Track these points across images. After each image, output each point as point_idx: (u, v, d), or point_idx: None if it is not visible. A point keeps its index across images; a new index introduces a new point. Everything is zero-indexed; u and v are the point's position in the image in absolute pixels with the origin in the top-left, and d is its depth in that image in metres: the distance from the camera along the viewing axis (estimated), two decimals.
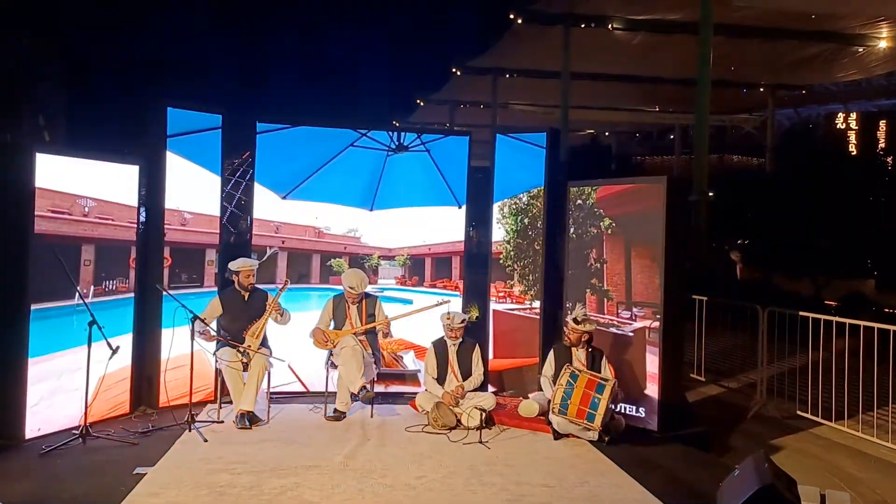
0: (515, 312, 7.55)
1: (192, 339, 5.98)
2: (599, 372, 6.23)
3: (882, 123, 30.77)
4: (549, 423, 6.12)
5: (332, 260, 7.85)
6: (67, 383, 5.80)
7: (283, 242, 7.68)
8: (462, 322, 6.60)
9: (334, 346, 6.47)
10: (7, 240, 5.64)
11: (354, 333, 6.49)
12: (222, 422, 6.22)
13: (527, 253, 7.55)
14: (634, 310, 6.69)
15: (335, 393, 6.52)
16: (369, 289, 7.09)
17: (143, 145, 6.78)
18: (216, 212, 7.05)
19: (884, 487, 5.90)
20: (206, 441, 5.69)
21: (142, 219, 6.60)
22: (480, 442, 5.86)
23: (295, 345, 6.81)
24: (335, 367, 6.51)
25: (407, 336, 7.56)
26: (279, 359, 6.48)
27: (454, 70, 25.83)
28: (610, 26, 20.61)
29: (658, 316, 6.47)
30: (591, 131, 36.33)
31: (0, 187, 5.71)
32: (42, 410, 5.65)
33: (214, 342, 6.35)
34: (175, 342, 6.16)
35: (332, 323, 6.70)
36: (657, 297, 6.48)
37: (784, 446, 6.87)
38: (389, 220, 7.81)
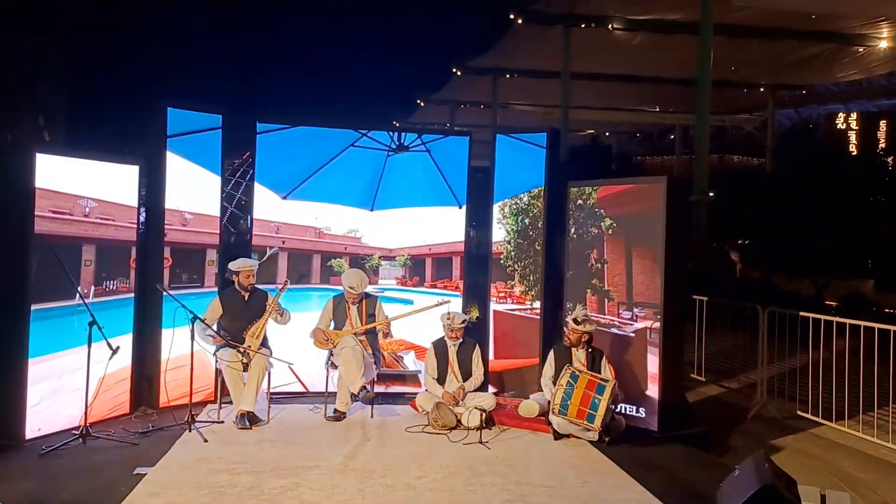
0: (516, 313, 7.55)
1: (193, 339, 5.98)
2: (599, 372, 6.23)
3: (882, 123, 30.77)
4: (550, 424, 6.12)
5: (333, 260, 7.84)
6: (68, 383, 5.80)
7: (283, 243, 7.68)
8: (462, 322, 6.60)
9: (334, 347, 6.47)
10: (7, 240, 5.64)
11: (355, 333, 6.49)
12: (222, 422, 6.22)
13: (527, 253, 7.54)
14: (635, 310, 6.68)
15: (335, 393, 6.52)
16: (369, 289, 7.09)
17: (143, 145, 6.78)
18: (217, 212, 7.04)
19: (884, 488, 5.90)
20: (206, 441, 5.68)
21: (142, 219, 6.60)
22: (481, 442, 5.86)
23: (295, 345, 6.81)
24: (335, 367, 6.51)
25: (407, 336, 7.56)
26: (284, 360, 6.47)
27: (454, 70, 25.84)
28: (610, 26, 20.62)
29: (659, 316, 6.47)
30: (592, 131, 36.33)
31: (0, 187, 5.71)
32: (42, 410, 5.66)
33: (217, 343, 6.34)
34: (175, 342, 6.15)
35: (333, 323, 6.70)
36: (658, 297, 6.48)
37: (784, 446, 6.88)
38: (390, 220, 7.81)
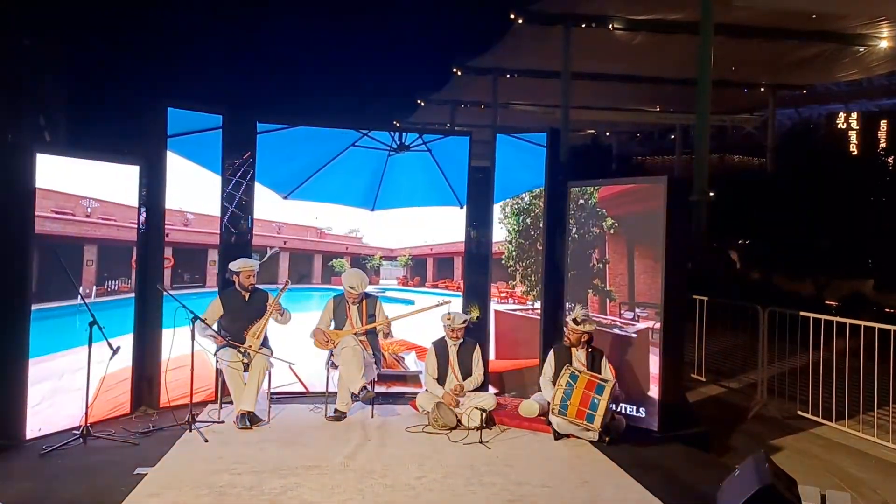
0: (517, 313, 7.55)
1: (193, 339, 5.98)
2: (599, 372, 6.23)
3: (883, 123, 30.76)
4: (550, 424, 6.12)
5: (334, 260, 7.85)
6: (68, 383, 5.80)
7: (284, 243, 7.68)
8: (463, 322, 6.60)
9: (335, 347, 6.47)
10: (7, 240, 5.64)
11: (355, 334, 6.49)
12: (223, 422, 6.22)
13: (529, 253, 7.54)
14: (637, 310, 6.67)
15: (336, 393, 6.52)
16: (370, 289, 7.09)
17: (143, 145, 6.78)
18: (218, 212, 7.05)
19: (884, 487, 5.90)
20: (206, 441, 5.68)
21: (142, 219, 6.60)
22: (481, 442, 5.86)
23: (295, 345, 6.81)
24: (336, 367, 6.51)
25: (408, 337, 7.56)
26: (284, 360, 6.47)
27: (455, 70, 25.85)
28: (610, 26, 20.63)
29: (660, 316, 6.46)
30: (592, 131, 36.33)
31: (0, 187, 5.72)
32: (43, 410, 5.66)
33: (217, 343, 6.35)
34: (176, 342, 6.15)
35: (333, 323, 6.70)
36: (660, 297, 6.47)
37: (784, 446, 6.88)
38: (391, 220, 7.81)
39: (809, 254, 17.08)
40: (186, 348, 5.99)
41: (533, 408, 6.35)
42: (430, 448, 5.75)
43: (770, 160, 28.76)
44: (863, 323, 7.23)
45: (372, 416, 6.55)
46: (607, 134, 37.91)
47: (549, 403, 6.11)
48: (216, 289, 6.97)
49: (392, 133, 7.66)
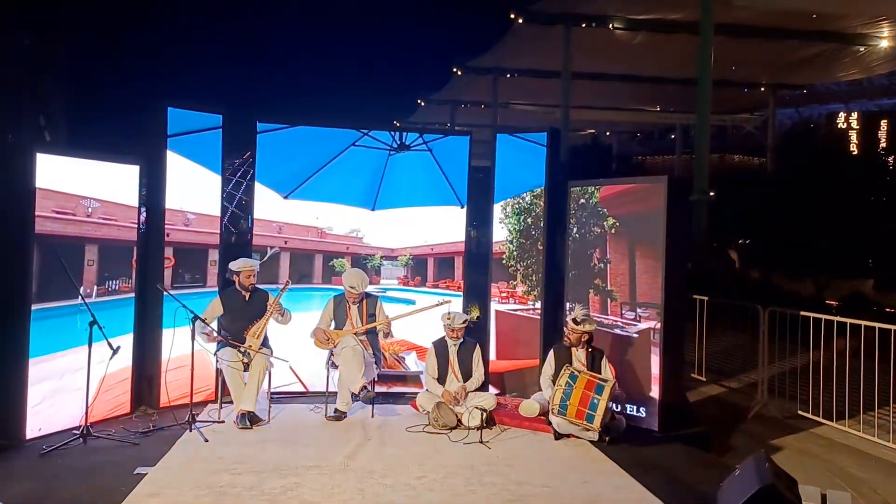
0: (519, 313, 7.54)
1: (193, 339, 5.98)
2: (600, 372, 6.23)
3: (883, 123, 30.75)
4: (550, 424, 6.12)
5: (335, 260, 7.84)
6: (69, 383, 5.80)
7: (285, 243, 7.68)
8: (463, 322, 6.60)
9: (335, 346, 6.46)
10: (8, 240, 5.64)
11: (355, 333, 6.49)
12: (223, 422, 6.22)
13: (530, 253, 7.53)
14: (639, 310, 6.66)
15: (336, 393, 6.52)
16: (371, 289, 7.09)
17: (143, 145, 6.77)
18: (219, 212, 7.04)
19: (885, 487, 5.90)
20: (206, 441, 5.68)
21: (142, 219, 6.60)
22: (481, 442, 5.85)
23: (296, 345, 6.81)
24: (336, 367, 6.51)
25: (409, 337, 7.55)
26: (281, 359, 6.47)
27: (455, 70, 25.86)
28: (611, 26, 20.63)
29: (660, 316, 6.46)
30: (592, 131, 36.34)
31: (1, 187, 5.71)
32: (43, 410, 5.65)
33: (216, 342, 6.35)
34: (176, 342, 6.14)
35: (333, 323, 6.69)
36: (660, 297, 6.47)
37: (785, 446, 6.87)
38: (392, 219, 7.81)
39: (809, 254, 17.07)
40: (186, 348, 5.99)
41: (533, 407, 6.34)
42: (431, 448, 5.75)
43: (770, 160, 28.77)
44: (863, 323, 7.23)
45: (372, 416, 6.55)
46: (607, 134, 37.93)
47: (549, 403, 6.11)
48: (217, 289, 6.97)
49: (392, 132, 7.65)
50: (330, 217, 7.85)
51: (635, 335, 6.63)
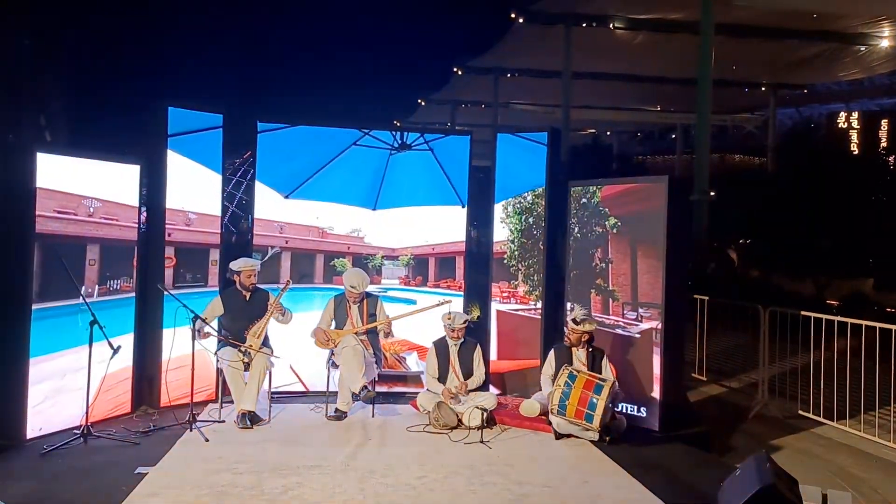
0: (520, 313, 7.54)
1: (194, 339, 5.99)
2: (600, 372, 6.22)
3: (884, 122, 30.75)
4: (550, 423, 6.12)
5: (336, 260, 7.84)
6: (69, 383, 5.80)
7: (286, 242, 7.68)
8: (463, 322, 6.59)
9: (335, 346, 6.46)
10: (8, 239, 5.64)
11: (356, 333, 6.49)
12: (223, 421, 6.22)
13: (531, 252, 7.53)
14: (640, 310, 6.66)
15: (336, 393, 6.52)
16: (372, 288, 7.09)
17: (143, 145, 6.76)
18: (220, 212, 7.05)
19: (886, 487, 5.89)
20: (207, 441, 5.68)
21: (143, 218, 6.60)
22: (482, 442, 5.85)
23: (296, 345, 6.81)
24: (336, 366, 6.51)
25: (410, 337, 7.55)
26: (274, 355, 6.46)
27: (455, 70, 25.86)
28: (611, 26, 20.63)
29: (661, 316, 6.46)
30: (593, 131, 36.33)
31: (1, 187, 5.72)
32: (44, 410, 5.65)
33: (216, 341, 6.35)
34: (176, 342, 6.14)
35: (334, 323, 6.69)
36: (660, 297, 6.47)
37: (785, 446, 6.87)
38: (393, 219, 7.80)
39: (810, 253, 17.07)
40: (187, 348, 5.99)
41: (534, 407, 6.34)
42: (431, 448, 5.75)
43: (771, 160, 28.77)
44: (864, 322, 7.23)
45: (373, 416, 6.55)
46: (608, 133, 37.92)
47: (549, 403, 6.11)
48: (218, 288, 6.97)
49: (393, 132, 7.65)
50: (331, 217, 7.86)
51: (637, 335, 6.63)
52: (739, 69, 23.90)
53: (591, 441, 5.94)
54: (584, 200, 7.16)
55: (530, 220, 7.53)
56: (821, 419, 7.41)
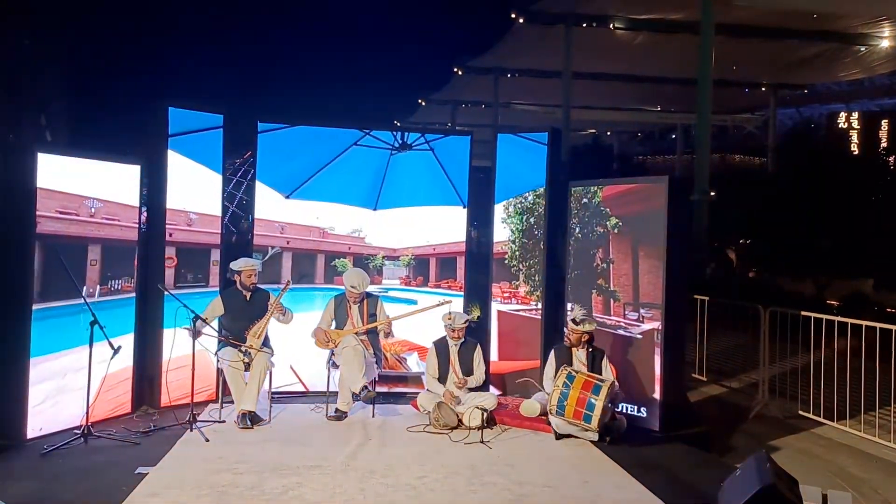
0: (521, 313, 7.53)
1: (194, 339, 5.99)
2: (600, 372, 6.22)
3: (884, 123, 30.76)
4: (550, 423, 6.12)
5: (337, 260, 7.85)
6: (70, 383, 5.80)
7: (287, 243, 7.68)
8: (464, 322, 6.59)
9: (336, 346, 6.46)
10: (9, 239, 5.64)
11: (356, 333, 6.49)
12: (224, 422, 6.22)
13: (532, 253, 7.52)
14: (642, 311, 6.65)
15: (336, 393, 6.52)
16: (373, 289, 7.09)
17: (144, 145, 6.77)
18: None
19: (886, 488, 5.89)
20: (207, 441, 5.68)
21: (143, 218, 6.60)
22: (482, 442, 5.85)
23: (296, 345, 6.81)
24: (336, 366, 6.51)
25: (410, 337, 7.55)
26: (270, 353, 6.45)
27: (456, 70, 25.86)
28: (611, 26, 20.63)
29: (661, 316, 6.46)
30: (593, 131, 36.33)
31: (2, 187, 5.72)
32: (45, 410, 5.66)
33: (216, 341, 6.35)
34: (177, 342, 6.14)
35: (334, 323, 6.69)
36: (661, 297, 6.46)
37: (786, 446, 6.87)
38: (393, 219, 7.80)
39: (810, 253, 17.07)
40: (187, 348, 6.00)
41: (534, 407, 6.35)
42: (432, 448, 5.75)
43: (771, 160, 28.76)
44: (864, 322, 7.23)
45: (373, 416, 6.55)
46: (608, 133, 37.93)
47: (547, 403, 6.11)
48: (219, 288, 6.97)
49: (394, 132, 7.65)
50: (332, 217, 7.85)
51: (639, 336, 6.62)
52: (739, 69, 23.89)
53: (592, 441, 5.94)
54: (585, 200, 7.16)
55: (531, 220, 7.53)
56: (821, 419, 7.41)
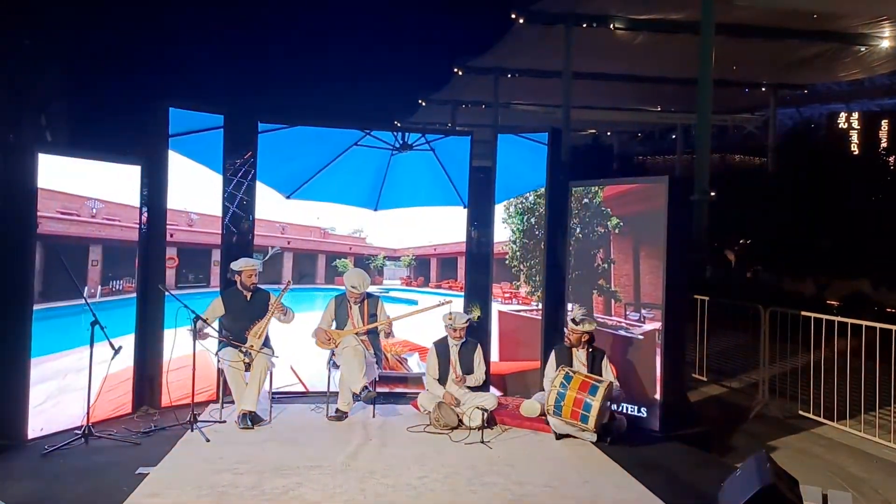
0: (522, 314, 7.53)
1: (195, 339, 5.99)
2: (600, 373, 6.22)
3: (884, 123, 30.73)
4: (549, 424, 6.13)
5: (338, 260, 7.85)
6: (71, 383, 5.81)
7: (288, 243, 7.68)
8: (465, 322, 6.60)
9: (336, 346, 6.46)
10: (9, 239, 5.65)
11: (356, 333, 6.49)
12: (224, 422, 6.22)
13: (533, 253, 7.52)
14: (643, 311, 6.64)
15: (337, 393, 6.52)
16: (374, 289, 7.09)
17: (144, 145, 6.78)
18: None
19: (886, 487, 5.90)
20: (208, 441, 5.69)
21: (144, 219, 6.60)
22: (482, 442, 5.86)
23: (296, 345, 6.82)
24: (337, 367, 6.51)
25: (411, 338, 7.55)
26: (274, 356, 6.45)
27: (456, 70, 25.84)
28: (611, 26, 20.60)
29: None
30: (593, 131, 36.30)
31: (2, 187, 5.73)
32: (45, 410, 5.66)
33: (216, 342, 6.35)
34: (177, 342, 6.15)
35: (334, 323, 6.70)
36: (660, 297, 6.46)
37: (786, 446, 6.87)
38: (394, 220, 7.80)
39: (810, 253, 17.07)
40: (188, 348, 6.00)
41: (534, 407, 6.35)
42: (432, 448, 5.75)
43: (771, 160, 28.73)
44: (864, 323, 7.23)
45: (373, 416, 6.56)
46: (608, 133, 37.89)
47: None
48: (220, 289, 6.98)
49: (395, 132, 7.66)
50: (332, 217, 7.86)
51: (640, 336, 6.62)
52: (739, 69, 23.85)
53: (592, 441, 5.94)
54: (586, 201, 7.16)
55: (532, 220, 7.53)
56: (821, 419, 7.41)
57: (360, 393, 6.21)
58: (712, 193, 15.97)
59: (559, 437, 6.06)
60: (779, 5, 18.15)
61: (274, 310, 6.33)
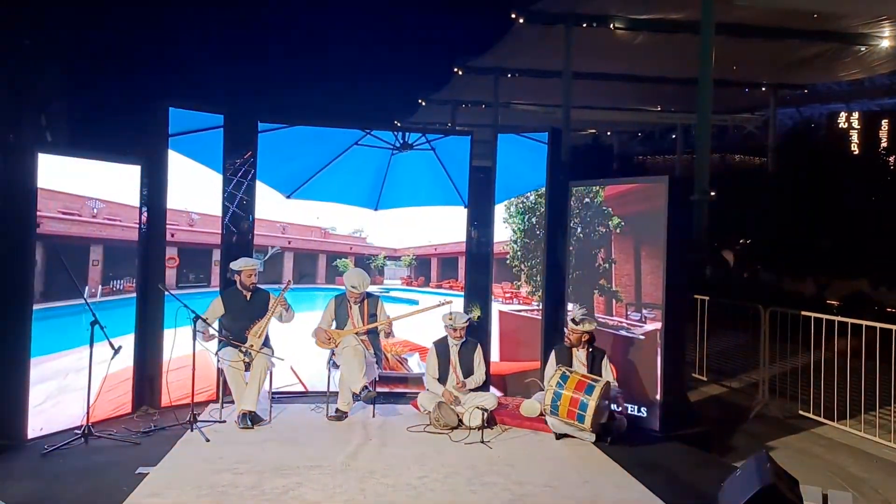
0: (522, 314, 7.53)
1: (195, 339, 5.99)
2: (600, 373, 6.22)
3: (884, 122, 30.71)
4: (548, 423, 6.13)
5: (338, 260, 7.85)
6: (71, 383, 5.81)
7: (289, 243, 7.68)
8: (465, 322, 6.60)
9: (336, 346, 6.46)
10: (10, 239, 5.65)
11: (356, 333, 6.49)
12: (224, 422, 6.22)
13: (534, 253, 7.51)
14: (645, 311, 6.64)
15: (337, 393, 6.52)
16: (374, 289, 7.09)
17: (144, 145, 6.78)
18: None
19: (886, 487, 5.90)
20: (208, 441, 5.69)
21: (143, 218, 6.60)
22: (482, 442, 5.86)
23: (296, 345, 6.81)
24: (337, 366, 6.51)
25: (411, 337, 7.55)
26: (278, 357, 6.46)
27: (456, 70, 25.83)
28: (612, 26, 20.60)
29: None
30: (593, 131, 36.28)
31: (2, 187, 5.72)
32: (45, 410, 5.66)
33: (216, 342, 6.35)
34: (177, 342, 6.15)
35: (334, 323, 6.70)
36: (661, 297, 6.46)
37: (786, 446, 6.88)
38: (395, 219, 7.80)
39: (810, 253, 17.07)
40: (188, 348, 6.00)
41: (534, 407, 6.35)
42: (432, 448, 5.75)
43: (771, 160, 28.72)
44: (864, 322, 7.23)
45: (373, 416, 6.56)
46: (608, 133, 37.87)
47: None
48: (220, 288, 6.98)
49: (395, 132, 7.66)
50: (333, 217, 7.86)
51: (641, 336, 6.61)
52: (739, 69, 23.83)
53: (592, 441, 5.94)
54: (586, 200, 7.15)
55: (533, 220, 7.53)
56: (821, 419, 7.41)
57: (360, 393, 6.21)
58: (712, 193, 15.96)
59: (559, 436, 6.06)
60: (779, 5, 18.14)
61: (277, 305, 6.33)
